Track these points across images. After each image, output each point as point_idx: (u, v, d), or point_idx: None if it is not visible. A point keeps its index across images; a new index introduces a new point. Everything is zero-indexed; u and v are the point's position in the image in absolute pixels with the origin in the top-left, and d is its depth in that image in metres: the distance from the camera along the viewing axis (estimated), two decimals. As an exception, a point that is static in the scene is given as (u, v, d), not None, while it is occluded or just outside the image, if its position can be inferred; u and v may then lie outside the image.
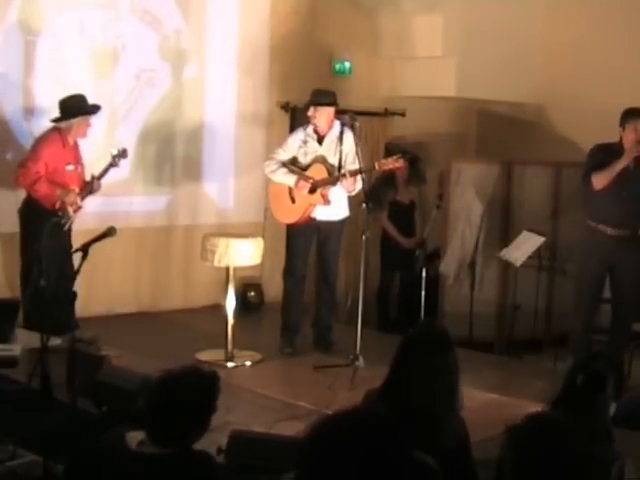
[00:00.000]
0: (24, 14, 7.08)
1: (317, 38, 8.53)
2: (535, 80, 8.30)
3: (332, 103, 6.60)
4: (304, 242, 6.74)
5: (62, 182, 6.35)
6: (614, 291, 6.41)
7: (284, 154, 6.65)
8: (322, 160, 6.61)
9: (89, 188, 6.43)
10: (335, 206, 6.66)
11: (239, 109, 8.31)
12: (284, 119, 8.45)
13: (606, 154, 6.14)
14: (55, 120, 6.45)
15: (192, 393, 2.95)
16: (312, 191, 6.59)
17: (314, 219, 6.66)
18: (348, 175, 6.43)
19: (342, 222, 6.81)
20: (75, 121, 6.42)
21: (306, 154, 6.63)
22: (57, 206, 6.32)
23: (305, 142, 6.63)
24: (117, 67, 7.58)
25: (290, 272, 6.80)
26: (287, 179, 6.61)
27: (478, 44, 8.48)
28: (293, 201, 6.65)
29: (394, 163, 6.53)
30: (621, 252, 6.19)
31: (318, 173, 6.60)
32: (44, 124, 6.71)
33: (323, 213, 6.67)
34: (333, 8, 8.64)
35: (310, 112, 6.61)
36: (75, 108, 6.41)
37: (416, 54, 8.86)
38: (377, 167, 6.62)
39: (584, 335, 6.41)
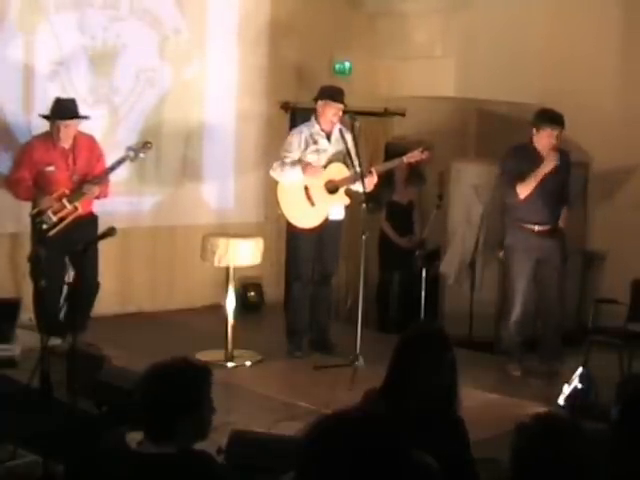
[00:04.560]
0: (24, 14, 7.08)
1: (317, 38, 8.53)
2: (535, 80, 8.29)
3: (342, 101, 6.53)
4: (310, 246, 6.63)
5: (46, 184, 6.26)
6: (540, 284, 6.56)
7: (291, 155, 6.51)
8: (339, 158, 6.54)
9: (78, 191, 6.27)
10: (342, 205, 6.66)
11: (239, 109, 8.31)
12: (284, 119, 8.45)
13: (521, 157, 6.40)
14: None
15: (180, 384, 2.91)
16: (333, 191, 6.54)
17: (327, 219, 6.60)
18: (375, 172, 6.44)
19: (343, 222, 6.81)
20: (53, 125, 6.29)
21: (318, 152, 6.53)
22: (36, 211, 6.23)
23: (315, 141, 6.55)
24: (117, 67, 7.58)
25: (297, 278, 6.73)
26: (294, 173, 6.44)
27: (478, 44, 8.47)
28: (312, 203, 6.54)
29: (420, 155, 6.54)
30: (546, 246, 6.46)
31: (338, 172, 6.53)
32: (44, 124, 6.71)
33: (333, 212, 6.63)
34: (333, 8, 8.64)
35: (319, 107, 6.57)
36: (51, 113, 6.30)
37: (416, 54, 8.85)
38: (405, 160, 6.62)
39: (517, 333, 6.60)
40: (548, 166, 6.29)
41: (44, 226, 6.13)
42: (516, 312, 6.54)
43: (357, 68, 8.82)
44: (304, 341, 6.75)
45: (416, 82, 8.88)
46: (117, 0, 7.55)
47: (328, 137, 6.57)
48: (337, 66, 8.75)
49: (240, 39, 8.25)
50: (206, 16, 8.09)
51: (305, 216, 6.57)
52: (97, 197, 6.46)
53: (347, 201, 6.62)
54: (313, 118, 6.62)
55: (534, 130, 6.35)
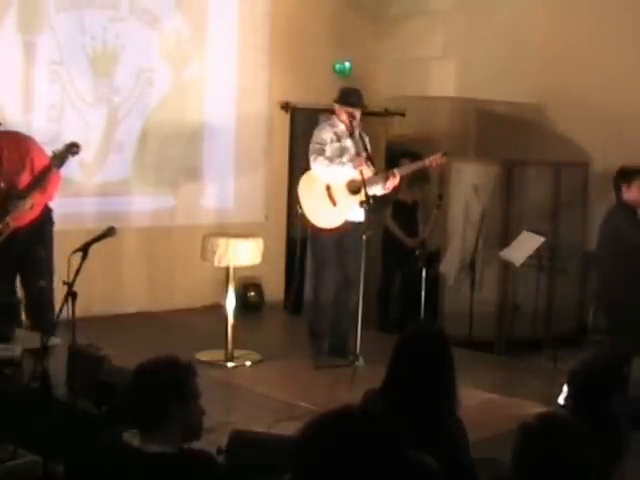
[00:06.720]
0: (24, 14, 7.09)
1: (317, 38, 8.53)
2: (535, 80, 8.30)
3: (355, 104, 6.45)
4: (334, 248, 6.50)
5: None
6: None
7: (326, 147, 6.40)
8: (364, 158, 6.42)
9: (3, 209, 5.76)
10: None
11: (239, 109, 8.32)
12: (284, 119, 8.45)
13: None
14: None
15: (166, 379, 2.96)
16: (355, 192, 6.43)
17: (347, 220, 6.47)
18: (397, 174, 6.41)
19: (364, 223, 6.68)
20: None
21: (341, 151, 6.44)
22: None
23: (339, 139, 6.45)
24: (117, 67, 7.58)
25: (324, 282, 6.58)
26: (345, 169, 6.35)
27: (478, 44, 8.48)
28: (334, 203, 6.44)
29: (441, 159, 6.47)
30: None
31: (361, 172, 6.46)
32: (44, 125, 6.72)
33: (354, 214, 6.44)
34: (333, 8, 8.65)
35: (335, 109, 6.50)
36: None
37: (416, 54, 8.86)
38: (427, 163, 6.53)
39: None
40: None
41: None
42: None
43: (357, 68, 8.83)
44: (325, 344, 6.63)
45: (416, 82, 8.89)
46: (117, 0, 7.56)
47: (351, 135, 6.47)
48: (337, 66, 8.75)
49: (240, 39, 8.25)
50: (206, 16, 8.10)
51: (326, 216, 6.45)
52: (37, 205, 5.93)
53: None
54: (335, 117, 6.53)
55: (625, 187, 6.36)
